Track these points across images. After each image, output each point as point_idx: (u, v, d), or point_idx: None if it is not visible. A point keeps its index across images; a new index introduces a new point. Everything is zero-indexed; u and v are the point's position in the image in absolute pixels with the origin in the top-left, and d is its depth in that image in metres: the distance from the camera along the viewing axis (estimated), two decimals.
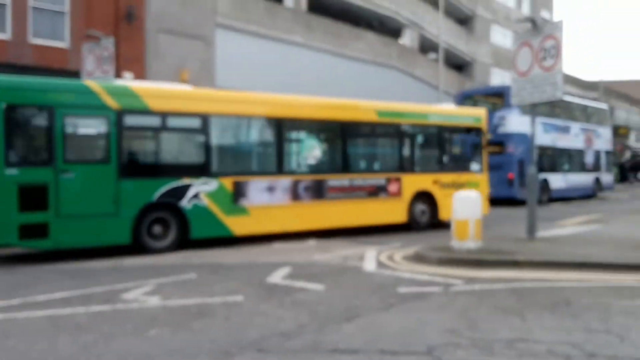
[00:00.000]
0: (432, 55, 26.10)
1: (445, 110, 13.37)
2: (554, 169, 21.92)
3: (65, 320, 5.24)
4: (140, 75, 17.34)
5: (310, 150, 11.38)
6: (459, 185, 12.60)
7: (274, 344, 4.54)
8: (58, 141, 8.60)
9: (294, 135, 11.42)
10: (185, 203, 9.60)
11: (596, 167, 25.15)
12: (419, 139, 13.04)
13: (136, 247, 9.26)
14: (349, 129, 11.75)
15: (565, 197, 22.49)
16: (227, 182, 10.06)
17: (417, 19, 30.34)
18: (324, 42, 24.03)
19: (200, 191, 9.75)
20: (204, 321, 5.17)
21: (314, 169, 11.41)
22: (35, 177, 8.40)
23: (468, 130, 13.53)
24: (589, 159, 24.48)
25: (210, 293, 6.31)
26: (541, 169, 19.64)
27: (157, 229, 9.41)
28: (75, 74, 13.58)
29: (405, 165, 12.50)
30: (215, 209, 9.91)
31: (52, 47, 15.84)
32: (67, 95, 8.80)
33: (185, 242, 9.75)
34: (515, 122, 19.46)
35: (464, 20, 36.41)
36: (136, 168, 9.38)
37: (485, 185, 13.58)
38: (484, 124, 13.66)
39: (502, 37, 38.35)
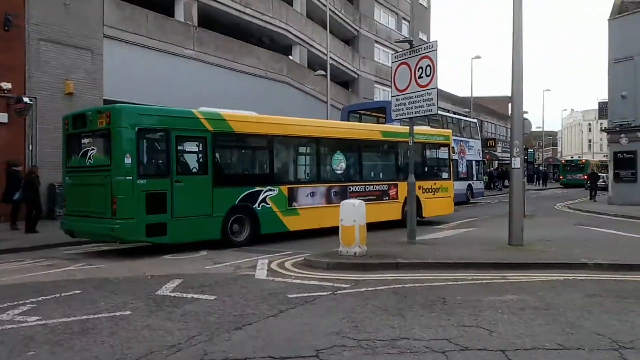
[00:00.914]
0: (320, 71, 26.90)
1: (425, 130, 16.44)
2: None
3: None
4: (19, 85, 16.11)
5: (338, 163, 14.03)
6: (435, 190, 16.23)
7: (161, 357, 4.46)
8: (172, 157, 10.51)
9: (328, 151, 13.96)
10: (257, 206, 11.85)
11: (469, 176, 27.38)
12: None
13: (222, 242, 11.17)
14: (364, 146, 14.72)
15: None
16: (284, 189, 12.52)
17: (306, 37, 31.22)
18: (216, 55, 23.81)
19: (267, 196, 12.09)
20: (87, 338, 4.95)
21: (341, 178, 14.00)
22: (158, 186, 10.22)
23: (440, 146, 16.97)
24: (463, 168, 26.56)
25: (95, 309, 6.04)
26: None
27: (235, 226, 11.52)
28: None
29: (400, 174, 15.18)
30: (276, 210, 12.29)
31: None
32: (178, 121, 10.74)
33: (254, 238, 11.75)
34: None
35: (349, 39, 38.02)
36: (225, 178, 11.64)
37: (452, 189, 17.17)
38: (451, 141, 17.31)
39: (384, 56, 40.53)
